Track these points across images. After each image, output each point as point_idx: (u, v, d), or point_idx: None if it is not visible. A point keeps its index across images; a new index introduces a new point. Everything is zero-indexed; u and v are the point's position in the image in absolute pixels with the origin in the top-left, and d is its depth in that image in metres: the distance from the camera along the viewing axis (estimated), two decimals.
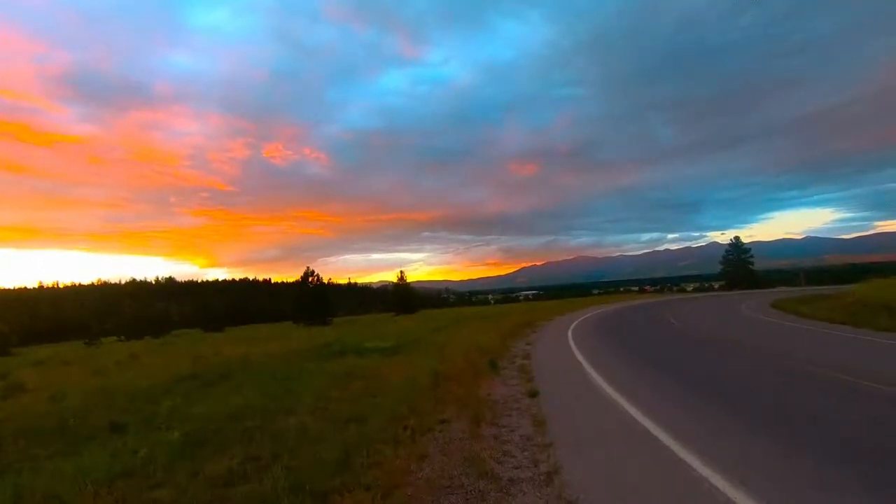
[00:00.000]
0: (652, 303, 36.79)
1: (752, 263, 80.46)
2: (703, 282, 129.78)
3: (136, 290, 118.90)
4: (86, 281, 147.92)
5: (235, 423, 6.19)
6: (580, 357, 9.93)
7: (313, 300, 39.80)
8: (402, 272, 55.54)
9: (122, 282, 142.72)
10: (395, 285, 56.53)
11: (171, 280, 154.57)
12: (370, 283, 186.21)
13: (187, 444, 5.15)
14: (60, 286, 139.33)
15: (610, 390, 6.64)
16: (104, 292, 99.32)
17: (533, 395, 6.55)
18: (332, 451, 4.39)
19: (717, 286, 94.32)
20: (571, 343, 12.50)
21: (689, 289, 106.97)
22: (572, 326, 17.93)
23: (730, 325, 16.40)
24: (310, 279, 41.41)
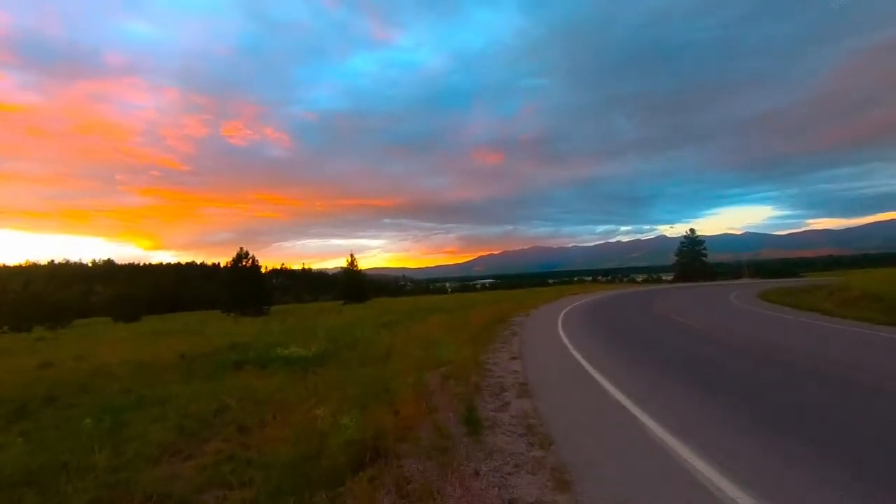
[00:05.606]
0: (626, 294, 34.16)
1: (705, 256, 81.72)
2: (650, 273, 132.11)
3: (57, 272, 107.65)
4: (12, 263, 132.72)
5: None
6: (623, 400, 5.41)
7: (247, 287, 34.38)
8: (352, 256, 50.44)
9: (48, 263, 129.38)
10: (345, 271, 51.46)
11: (109, 262, 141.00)
12: (326, 270, 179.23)
13: None
14: None
15: None
16: (24, 275, 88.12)
17: None
18: None
19: (665, 278, 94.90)
20: (578, 357, 8.32)
21: (640, 279, 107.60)
22: (560, 326, 13.91)
23: (765, 328, 12.17)
24: (243, 262, 35.87)
